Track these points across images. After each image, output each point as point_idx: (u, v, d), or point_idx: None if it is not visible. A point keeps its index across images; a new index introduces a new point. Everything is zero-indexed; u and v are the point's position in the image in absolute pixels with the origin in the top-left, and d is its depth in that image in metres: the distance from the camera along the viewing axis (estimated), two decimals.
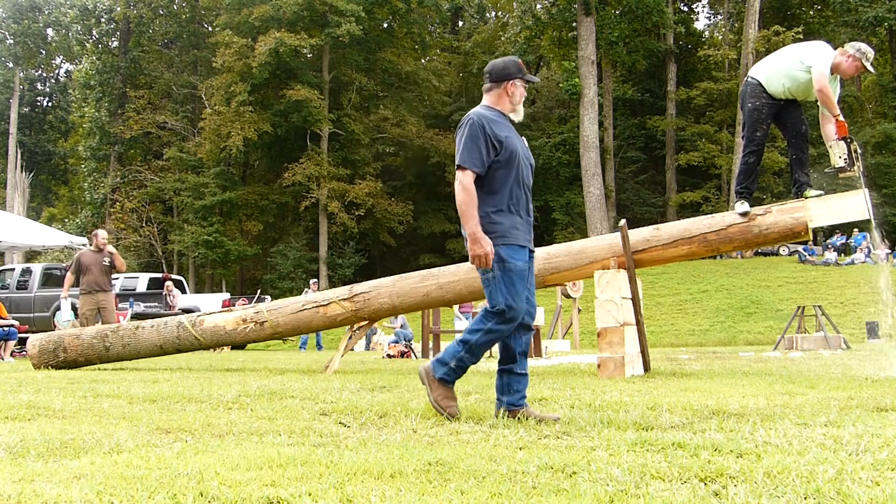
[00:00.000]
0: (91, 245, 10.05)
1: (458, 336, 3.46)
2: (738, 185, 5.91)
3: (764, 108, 5.67)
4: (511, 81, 3.48)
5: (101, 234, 10.23)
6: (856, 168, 5.38)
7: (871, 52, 5.57)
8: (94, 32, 38.20)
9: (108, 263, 9.81)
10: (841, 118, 5.42)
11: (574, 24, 31.86)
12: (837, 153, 5.40)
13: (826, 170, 5.57)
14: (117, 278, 17.54)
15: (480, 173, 3.35)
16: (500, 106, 3.52)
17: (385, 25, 34.58)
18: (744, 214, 5.75)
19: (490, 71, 3.53)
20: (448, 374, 3.40)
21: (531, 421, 3.26)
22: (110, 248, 9.97)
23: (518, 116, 3.56)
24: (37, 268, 16.41)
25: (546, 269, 6.30)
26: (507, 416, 3.37)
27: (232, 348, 15.36)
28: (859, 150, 5.43)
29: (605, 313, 5.73)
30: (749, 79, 5.79)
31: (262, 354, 15.31)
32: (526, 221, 3.55)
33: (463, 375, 3.50)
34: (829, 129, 5.46)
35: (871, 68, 5.54)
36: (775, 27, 30.51)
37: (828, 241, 27.61)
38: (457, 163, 3.37)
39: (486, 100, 3.55)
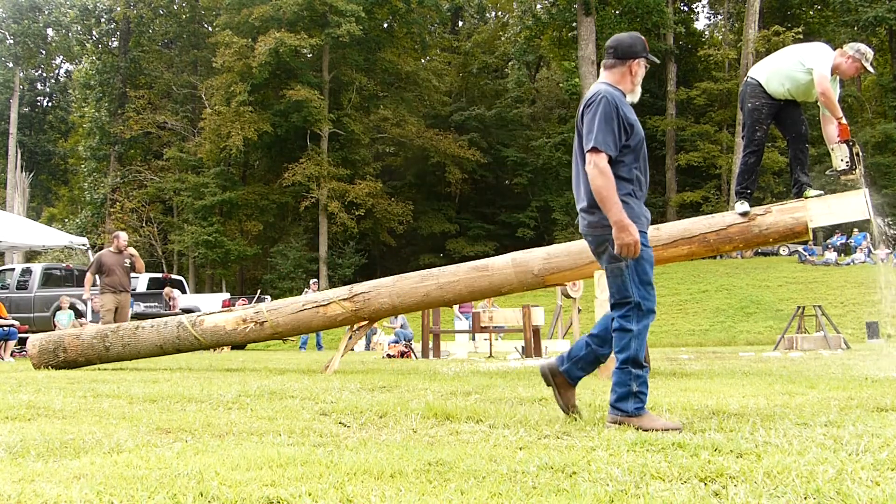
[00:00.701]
0: (111, 247, 10.27)
1: (614, 365, 3.15)
2: (738, 185, 5.91)
3: (764, 109, 5.67)
4: (637, 60, 3.28)
5: (123, 236, 10.48)
6: (857, 171, 5.38)
7: (870, 53, 5.57)
8: (94, 32, 38.20)
9: (128, 265, 10.05)
10: (843, 121, 5.42)
11: (574, 24, 31.87)
12: (839, 156, 5.40)
13: (828, 172, 5.56)
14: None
15: (613, 158, 3.13)
16: (621, 85, 3.28)
17: (385, 25, 34.58)
18: (744, 214, 5.75)
19: (615, 46, 3.29)
20: (640, 402, 3.09)
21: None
22: (131, 249, 10.24)
23: (635, 97, 3.34)
24: (37, 268, 16.41)
25: (546, 269, 6.30)
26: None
27: (232, 348, 15.36)
28: (861, 153, 5.43)
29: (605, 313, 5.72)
30: (749, 79, 5.79)
31: (262, 354, 15.31)
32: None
33: (648, 390, 3.20)
34: (831, 131, 5.46)
35: (870, 69, 5.54)
36: (775, 27, 30.52)
37: (828, 241, 27.61)
38: (591, 145, 3.10)
39: (608, 77, 3.30)
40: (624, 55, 3.27)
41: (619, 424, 3.05)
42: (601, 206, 3.09)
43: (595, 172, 3.09)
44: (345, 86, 32.93)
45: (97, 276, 10.13)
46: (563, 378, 3.37)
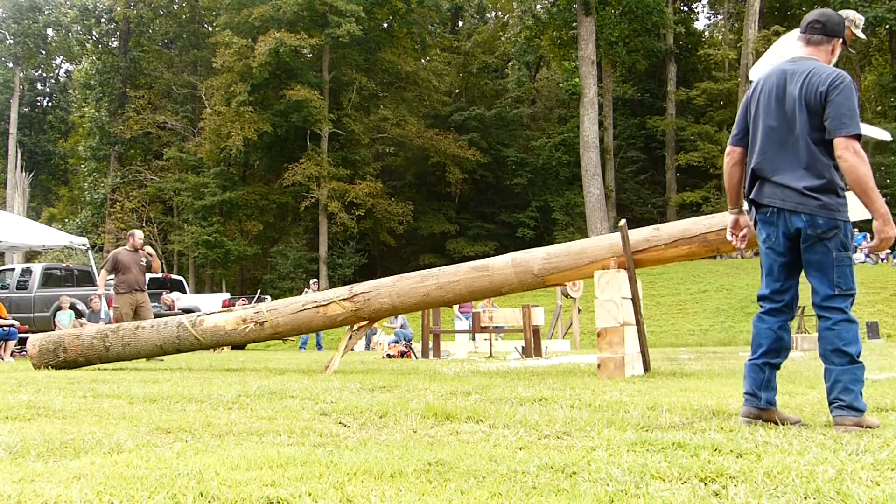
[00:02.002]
0: (127, 245, 10.21)
1: (842, 361, 2.91)
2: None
3: None
4: (840, 40, 3.15)
5: (138, 234, 10.37)
6: None
7: (860, 20, 5.54)
8: (94, 32, 38.21)
9: (144, 263, 9.96)
10: None
11: (574, 24, 31.87)
12: None
13: None
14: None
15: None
16: (827, 63, 3.11)
17: (385, 25, 34.58)
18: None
19: (824, 22, 3.11)
20: (862, 399, 2.92)
21: (770, 424, 2.99)
22: (148, 248, 10.14)
23: None
24: (37, 268, 16.40)
25: (546, 269, 6.30)
26: (757, 419, 3.05)
27: (232, 348, 15.36)
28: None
29: (605, 313, 5.72)
30: (750, 81, 5.81)
31: (262, 354, 15.31)
32: None
33: None
34: None
35: (861, 34, 5.51)
36: (775, 27, 30.55)
37: None
38: (853, 130, 2.88)
39: (813, 53, 3.11)
40: (832, 32, 3.14)
41: (859, 427, 2.82)
42: (863, 194, 2.89)
43: (858, 160, 2.88)
44: (345, 86, 32.94)
45: (113, 275, 10.06)
46: (770, 409, 3.11)
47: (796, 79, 3.03)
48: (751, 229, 3.31)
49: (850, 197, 5.61)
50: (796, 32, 5.76)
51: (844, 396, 2.87)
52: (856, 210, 5.45)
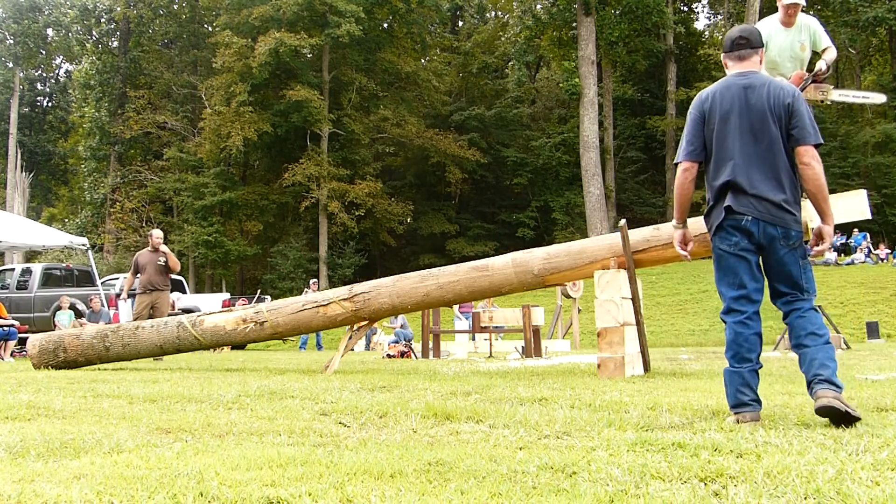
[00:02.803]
0: (149, 246, 10.20)
1: (819, 341, 3.01)
2: None
3: None
4: (763, 49, 3.43)
5: (156, 233, 10.32)
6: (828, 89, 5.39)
7: None
8: (94, 32, 38.20)
9: (163, 263, 9.92)
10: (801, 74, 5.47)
11: (574, 24, 31.87)
12: (815, 89, 5.40)
13: (830, 99, 5.48)
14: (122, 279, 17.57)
15: None
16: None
17: (385, 25, 34.59)
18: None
19: (748, 37, 3.30)
20: (838, 379, 3.00)
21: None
22: (164, 247, 10.09)
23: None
24: (37, 268, 16.41)
25: (546, 269, 6.30)
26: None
27: (232, 348, 15.36)
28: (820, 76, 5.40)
29: (605, 313, 5.72)
30: None
31: (262, 354, 15.31)
32: None
33: None
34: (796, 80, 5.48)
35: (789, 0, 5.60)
36: None
37: None
38: (818, 140, 3.14)
39: (749, 66, 3.31)
40: (757, 44, 3.30)
41: (840, 402, 2.86)
42: (822, 200, 3.08)
43: (821, 168, 3.07)
44: (345, 86, 32.94)
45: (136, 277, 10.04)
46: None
47: (757, 92, 3.15)
48: (695, 241, 3.41)
49: (849, 198, 5.61)
50: (775, 23, 5.77)
51: (823, 371, 2.94)
52: (855, 210, 5.46)
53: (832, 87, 5.43)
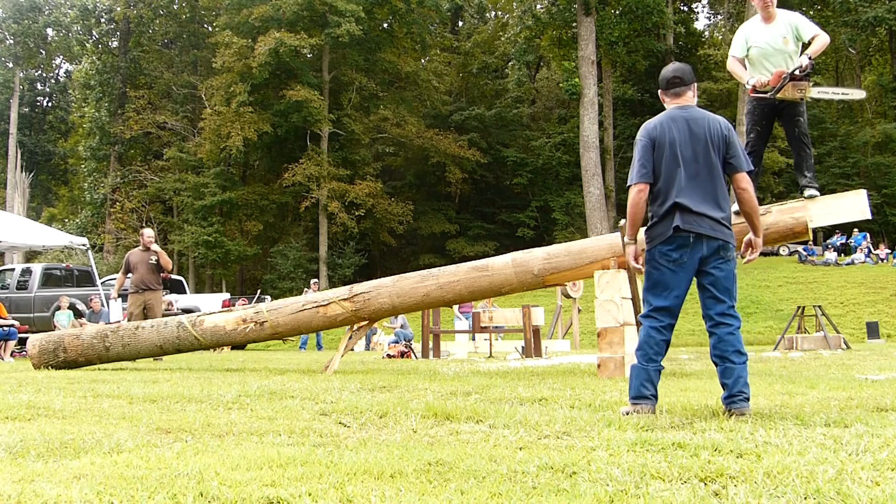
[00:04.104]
0: (140, 245, 10.15)
1: (742, 359, 3.36)
2: None
3: (756, 109, 5.70)
4: (695, 84, 3.84)
5: (147, 232, 10.26)
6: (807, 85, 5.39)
7: None
8: (94, 32, 38.19)
9: (154, 262, 9.88)
10: (760, 81, 5.46)
11: (574, 24, 31.86)
12: (793, 88, 5.41)
13: (811, 94, 5.50)
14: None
15: None
16: None
17: (385, 25, 34.57)
18: (738, 213, 5.79)
19: (681, 76, 3.75)
20: None
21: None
22: (155, 246, 10.03)
23: None
24: (37, 268, 16.40)
25: (546, 269, 6.30)
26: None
27: (232, 348, 15.36)
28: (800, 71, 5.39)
29: (605, 313, 5.72)
30: (748, 84, 5.85)
31: (262, 354, 15.31)
32: None
33: None
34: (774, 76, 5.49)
35: None
36: None
37: (828, 241, 27.62)
38: (749, 167, 3.61)
39: (686, 101, 3.76)
40: (690, 80, 3.71)
41: (750, 416, 3.27)
42: (756, 220, 3.58)
43: (753, 191, 3.57)
44: (345, 86, 32.93)
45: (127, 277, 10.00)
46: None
47: (699, 124, 3.56)
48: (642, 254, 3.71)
49: (849, 198, 5.61)
50: (757, 22, 5.81)
51: (745, 390, 3.34)
52: (856, 210, 5.46)
53: (811, 84, 5.43)
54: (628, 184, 3.59)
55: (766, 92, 5.44)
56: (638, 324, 6.08)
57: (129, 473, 2.17)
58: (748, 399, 3.32)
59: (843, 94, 5.84)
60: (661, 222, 3.48)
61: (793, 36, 5.49)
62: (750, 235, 3.65)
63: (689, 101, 3.68)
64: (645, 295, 3.53)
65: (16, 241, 14.28)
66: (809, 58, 5.29)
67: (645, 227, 3.59)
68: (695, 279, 3.51)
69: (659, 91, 3.78)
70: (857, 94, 6.01)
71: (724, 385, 3.37)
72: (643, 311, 3.53)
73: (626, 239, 3.64)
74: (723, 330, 3.41)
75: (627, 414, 3.35)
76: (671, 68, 3.73)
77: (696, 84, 3.72)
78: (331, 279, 30.36)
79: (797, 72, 5.30)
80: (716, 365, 3.43)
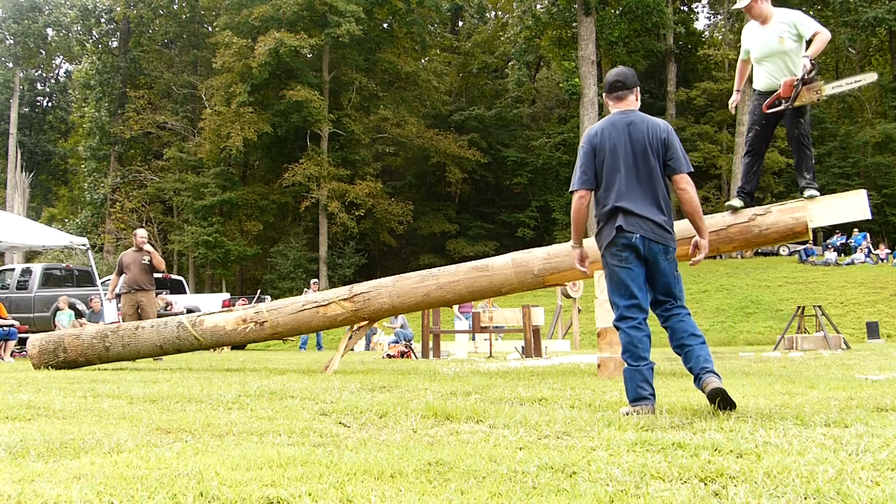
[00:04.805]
0: (133, 245, 10.14)
1: (699, 340, 3.49)
2: (740, 182, 5.99)
3: (758, 108, 5.69)
4: (638, 87, 3.85)
5: (140, 232, 10.24)
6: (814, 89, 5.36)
7: None
8: (94, 32, 38.19)
9: (147, 262, 9.87)
10: (767, 104, 5.48)
11: (574, 24, 31.86)
12: (808, 91, 5.40)
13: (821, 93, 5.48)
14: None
15: None
16: None
17: (385, 25, 34.58)
18: (733, 210, 5.79)
19: (624, 80, 3.76)
20: None
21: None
22: (148, 246, 10.02)
23: None
24: (37, 268, 16.40)
25: (546, 269, 6.30)
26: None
27: (232, 348, 15.36)
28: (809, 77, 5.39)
29: (605, 313, 5.72)
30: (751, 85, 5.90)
31: (262, 354, 15.31)
32: None
33: None
34: (788, 83, 5.47)
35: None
36: None
37: (828, 241, 27.62)
38: (689, 168, 3.64)
39: (628, 105, 3.79)
40: (633, 84, 3.74)
41: (723, 388, 3.35)
42: (699, 219, 3.62)
43: (694, 192, 3.61)
44: (345, 86, 32.94)
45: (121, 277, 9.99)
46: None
47: (638, 128, 3.62)
48: (590, 256, 3.85)
49: (849, 198, 5.61)
50: (754, 24, 5.84)
51: (708, 364, 3.40)
52: (856, 210, 5.46)
53: (822, 82, 5.42)
54: (570, 190, 3.68)
55: (779, 105, 5.42)
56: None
57: (129, 473, 2.17)
58: (713, 372, 3.37)
59: (856, 81, 5.81)
60: (605, 226, 3.59)
61: (792, 34, 5.47)
62: (696, 237, 3.70)
63: (631, 104, 3.73)
64: (611, 298, 3.62)
65: (16, 241, 14.27)
66: (810, 59, 5.27)
67: (595, 235, 3.69)
68: None
69: (603, 94, 3.87)
70: (870, 78, 6.01)
71: (689, 370, 3.46)
72: (614, 315, 3.59)
73: (571, 243, 3.73)
74: (673, 320, 3.54)
75: (628, 414, 3.35)
76: (614, 72, 3.78)
77: (638, 88, 3.77)
78: (331, 279, 30.36)
79: (805, 76, 5.29)
80: (679, 355, 3.53)
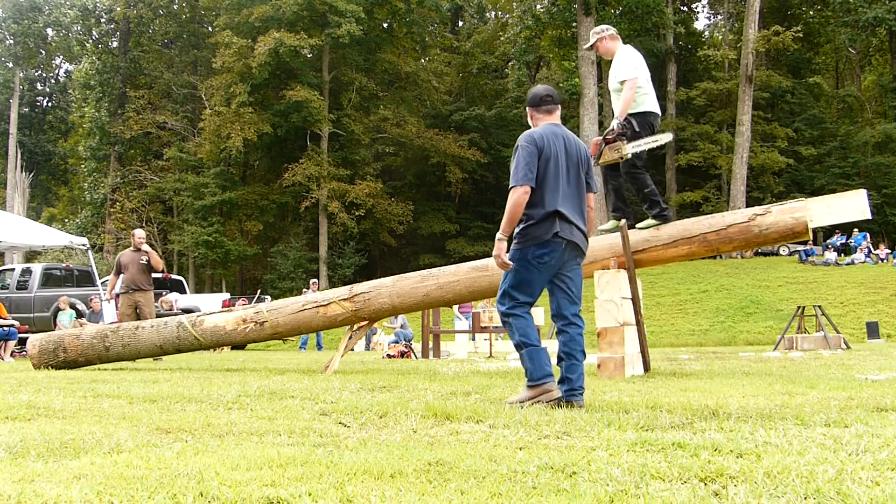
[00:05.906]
0: (131, 246, 10.15)
1: (581, 358, 3.80)
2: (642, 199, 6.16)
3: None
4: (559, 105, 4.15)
5: (138, 233, 10.24)
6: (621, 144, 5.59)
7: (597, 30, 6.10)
8: (94, 32, 38.21)
9: (145, 262, 9.87)
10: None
11: (574, 24, 31.87)
12: (610, 150, 5.67)
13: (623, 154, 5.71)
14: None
15: None
16: None
17: (385, 25, 34.59)
18: (614, 230, 6.03)
19: (553, 95, 4.04)
20: None
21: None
22: (146, 246, 10.03)
23: None
24: (37, 268, 16.40)
25: None
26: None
27: (232, 348, 15.36)
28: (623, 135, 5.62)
29: (605, 313, 5.72)
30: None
31: (262, 354, 15.31)
32: None
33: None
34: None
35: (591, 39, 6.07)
36: (775, 27, 30.53)
37: (828, 241, 27.63)
38: (597, 189, 4.05)
39: (556, 119, 4.06)
40: (557, 101, 4.01)
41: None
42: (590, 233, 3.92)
43: (592, 214, 4.01)
44: (345, 86, 32.94)
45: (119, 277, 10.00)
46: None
47: (571, 142, 3.89)
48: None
49: (849, 198, 5.62)
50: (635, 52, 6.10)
51: (583, 384, 3.75)
52: (856, 210, 5.46)
53: (625, 142, 5.69)
54: (513, 184, 3.74)
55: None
56: (639, 324, 6.09)
57: (129, 473, 2.17)
58: (582, 394, 3.72)
59: (653, 141, 6.15)
60: (538, 225, 3.72)
61: (615, 78, 5.82)
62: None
63: (557, 119, 3.98)
64: (509, 290, 3.81)
65: (16, 241, 14.27)
66: (619, 123, 5.55)
67: (519, 228, 3.78)
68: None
69: (527, 108, 4.04)
70: (666, 138, 6.38)
71: (567, 379, 3.72)
72: (507, 305, 3.83)
73: (499, 234, 3.82)
74: (574, 330, 3.81)
75: (531, 401, 3.63)
76: (543, 88, 4.00)
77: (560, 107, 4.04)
78: (331, 279, 30.36)
79: (609, 135, 5.55)
80: (560, 360, 3.76)
